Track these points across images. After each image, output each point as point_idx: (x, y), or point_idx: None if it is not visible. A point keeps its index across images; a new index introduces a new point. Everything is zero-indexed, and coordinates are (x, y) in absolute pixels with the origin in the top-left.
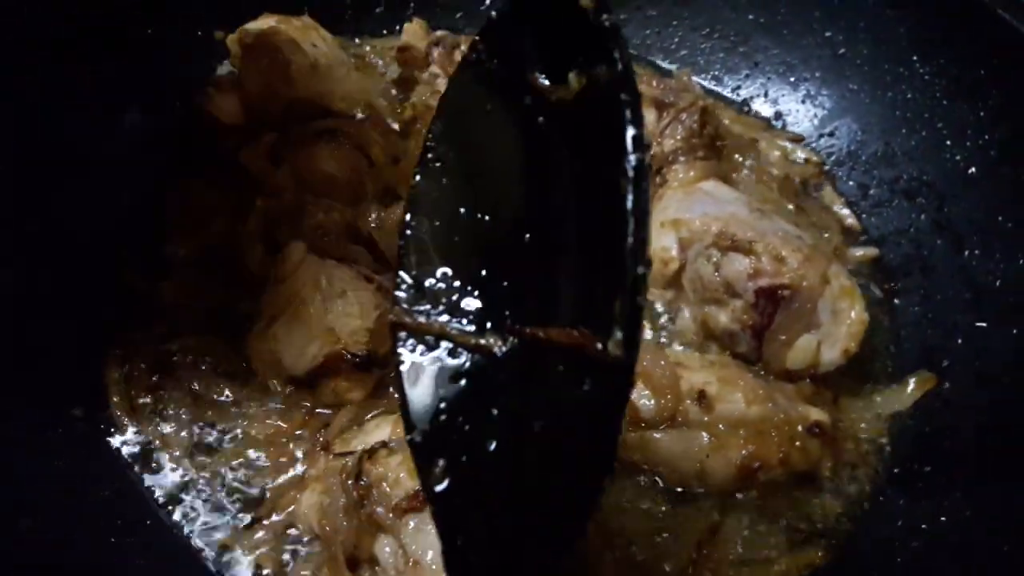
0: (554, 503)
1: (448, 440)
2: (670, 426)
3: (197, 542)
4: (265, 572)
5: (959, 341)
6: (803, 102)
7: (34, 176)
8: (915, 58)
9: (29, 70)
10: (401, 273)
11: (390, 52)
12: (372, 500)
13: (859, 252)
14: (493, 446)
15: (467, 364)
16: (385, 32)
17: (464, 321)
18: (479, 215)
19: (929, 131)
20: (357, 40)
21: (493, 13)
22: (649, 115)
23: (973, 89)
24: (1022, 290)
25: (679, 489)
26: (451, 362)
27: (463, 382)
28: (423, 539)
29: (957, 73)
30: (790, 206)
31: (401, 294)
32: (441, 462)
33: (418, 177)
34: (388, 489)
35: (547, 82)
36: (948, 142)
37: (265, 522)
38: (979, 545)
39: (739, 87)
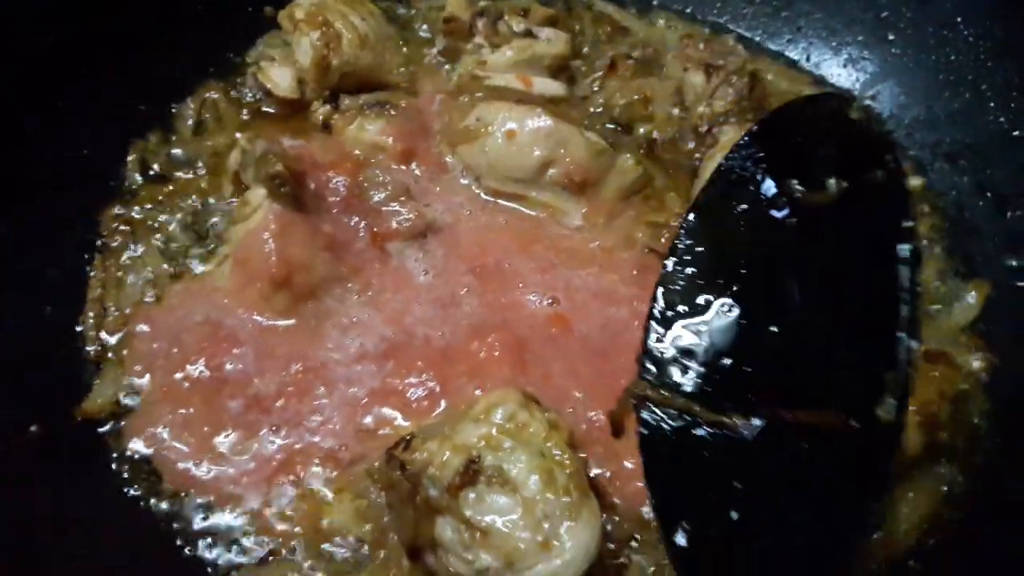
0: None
1: (690, 505)
2: None
3: None
4: None
5: (999, 301)
6: (845, 66)
7: None
8: (959, 20)
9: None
10: (647, 345)
11: (435, 16)
12: (424, 486)
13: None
14: (735, 515)
15: (708, 438)
16: None
17: (706, 398)
18: (723, 300)
19: (972, 94)
20: (401, 10)
21: (754, 127)
22: (698, 77)
23: (1018, 50)
24: None
25: None
26: (692, 434)
27: (704, 453)
28: (485, 507)
29: (1003, 35)
30: None
31: (645, 368)
32: (685, 524)
33: (667, 264)
34: (437, 472)
35: (802, 188)
36: (992, 104)
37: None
38: None
39: (782, 51)
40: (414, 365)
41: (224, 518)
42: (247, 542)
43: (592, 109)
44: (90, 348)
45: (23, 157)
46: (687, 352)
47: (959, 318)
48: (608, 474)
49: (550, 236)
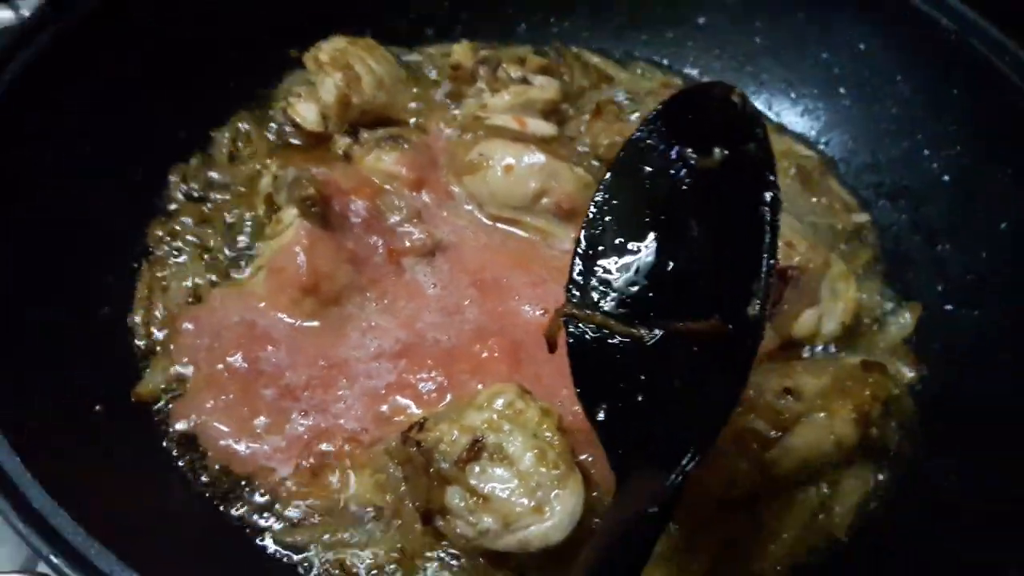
0: (693, 424)
1: (606, 393)
2: (788, 430)
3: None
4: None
5: (930, 322)
6: (802, 115)
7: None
8: (899, 77)
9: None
10: (571, 276)
11: (442, 60)
12: (435, 460)
13: (857, 218)
14: (640, 398)
15: (620, 345)
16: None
17: (618, 315)
18: (633, 240)
19: (910, 142)
20: (412, 55)
21: (660, 105)
22: None
23: (947, 105)
24: (982, 279)
25: None
26: (608, 343)
27: (617, 356)
28: (487, 478)
29: (934, 90)
30: (799, 190)
31: (572, 292)
32: (603, 406)
33: (589, 213)
34: (447, 448)
35: (694, 154)
36: (926, 151)
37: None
38: None
39: None
40: (424, 363)
41: (260, 487)
42: (279, 508)
43: (579, 148)
44: (140, 342)
45: (81, 180)
46: (604, 282)
47: (895, 335)
48: (591, 458)
49: (542, 256)
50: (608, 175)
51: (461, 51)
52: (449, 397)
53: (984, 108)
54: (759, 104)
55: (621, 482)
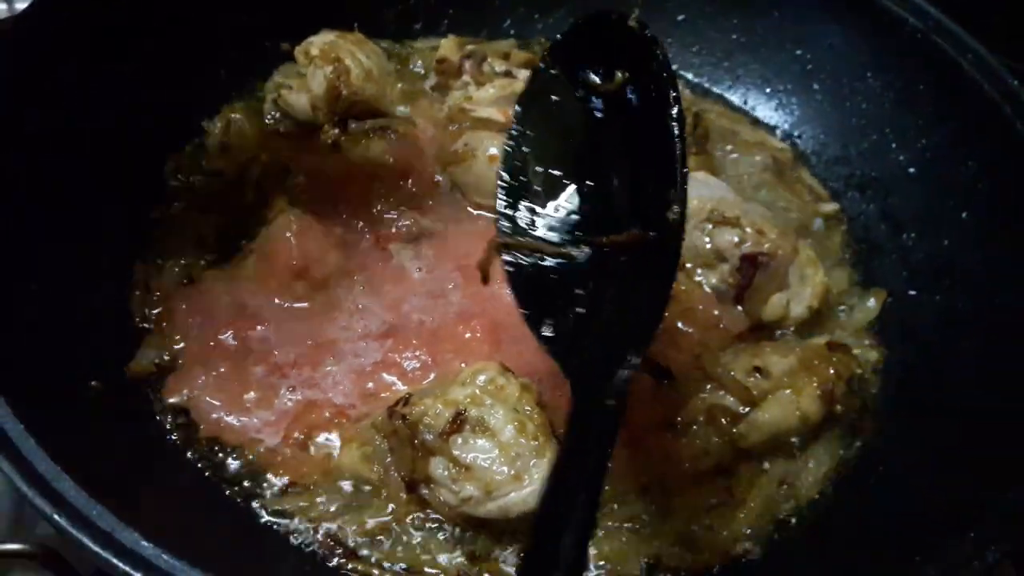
0: (633, 324)
1: (549, 310)
2: (756, 406)
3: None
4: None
5: (894, 306)
6: (776, 109)
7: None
8: (869, 74)
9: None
10: (499, 210)
11: (428, 54)
12: (420, 432)
13: (826, 207)
14: (581, 310)
15: (554, 266)
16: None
17: (548, 238)
18: (552, 168)
19: (879, 136)
20: (398, 47)
21: (559, 35)
22: None
23: (914, 101)
24: (945, 266)
25: None
26: (542, 264)
27: (552, 276)
28: (470, 449)
29: (902, 86)
30: (772, 180)
31: (502, 224)
32: (547, 322)
33: (506, 147)
34: (431, 421)
35: (597, 79)
36: (894, 144)
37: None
38: None
39: (723, 95)
40: (410, 343)
41: (250, 458)
42: (270, 478)
43: None
44: (136, 321)
45: (77, 169)
46: (531, 210)
47: (861, 319)
48: None
49: None
50: (517, 108)
51: (447, 45)
52: (433, 375)
53: (949, 104)
54: (735, 99)
55: (575, 389)
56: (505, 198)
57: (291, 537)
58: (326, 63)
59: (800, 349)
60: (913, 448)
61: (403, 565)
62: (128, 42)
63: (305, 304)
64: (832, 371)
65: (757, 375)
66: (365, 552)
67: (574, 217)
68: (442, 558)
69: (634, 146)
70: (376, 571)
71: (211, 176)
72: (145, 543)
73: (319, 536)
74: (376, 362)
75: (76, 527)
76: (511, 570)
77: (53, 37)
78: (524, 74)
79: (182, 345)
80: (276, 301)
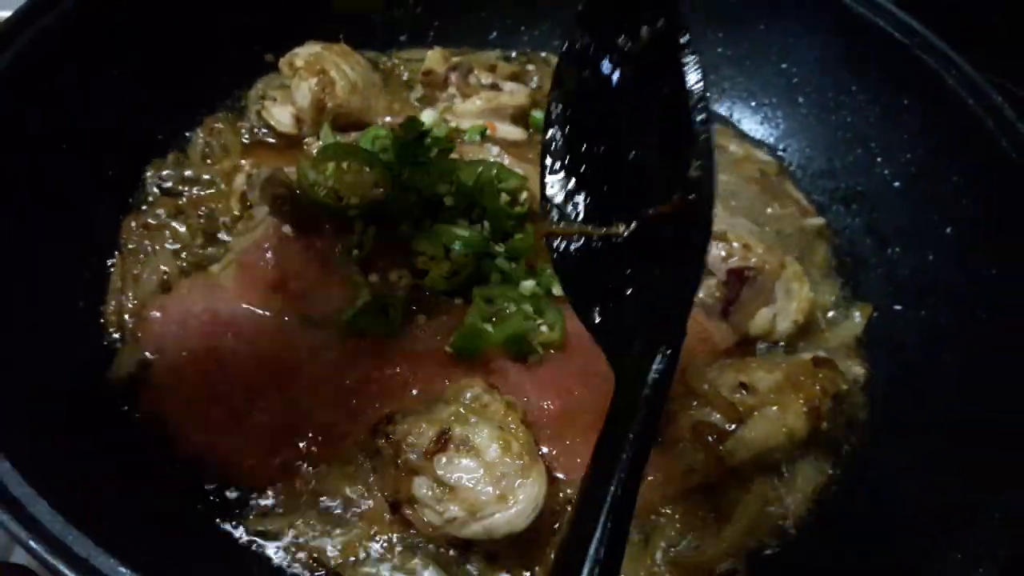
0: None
1: (596, 295)
2: (742, 423)
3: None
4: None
5: (879, 321)
6: (762, 123)
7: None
8: (854, 88)
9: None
10: (544, 196)
11: (415, 66)
12: (404, 451)
13: (812, 222)
14: (629, 291)
15: (600, 246)
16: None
17: (592, 220)
18: (591, 147)
19: (863, 149)
20: (385, 58)
21: (579, 7)
22: None
23: (899, 115)
24: (929, 281)
25: None
26: (590, 248)
27: (598, 259)
28: (454, 468)
29: (887, 101)
30: (758, 194)
31: (550, 214)
32: (597, 308)
33: (547, 133)
34: (415, 440)
35: (626, 41)
36: (879, 158)
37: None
38: None
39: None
40: (392, 361)
41: (229, 477)
42: (249, 496)
43: None
44: (112, 331)
45: (58, 177)
46: (573, 193)
47: (846, 333)
48: (554, 452)
49: None
50: (552, 90)
51: (433, 57)
52: (416, 392)
53: (932, 119)
54: (721, 111)
55: (619, 378)
56: (549, 184)
57: (273, 558)
58: (311, 75)
59: (786, 365)
60: (899, 462)
61: None
62: (108, 49)
63: (284, 318)
64: (818, 387)
65: (743, 391)
66: (348, 573)
67: (616, 195)
68: None
69: (660, 109)
70: None
71: (193, 185)
72: (123, 568)
73: (301, 557)
74: (358, 379)
75: (52, 554)
76: None
77: (34, 44)
78: (510, 86)
79: (157, 356)
80: (254, 313)
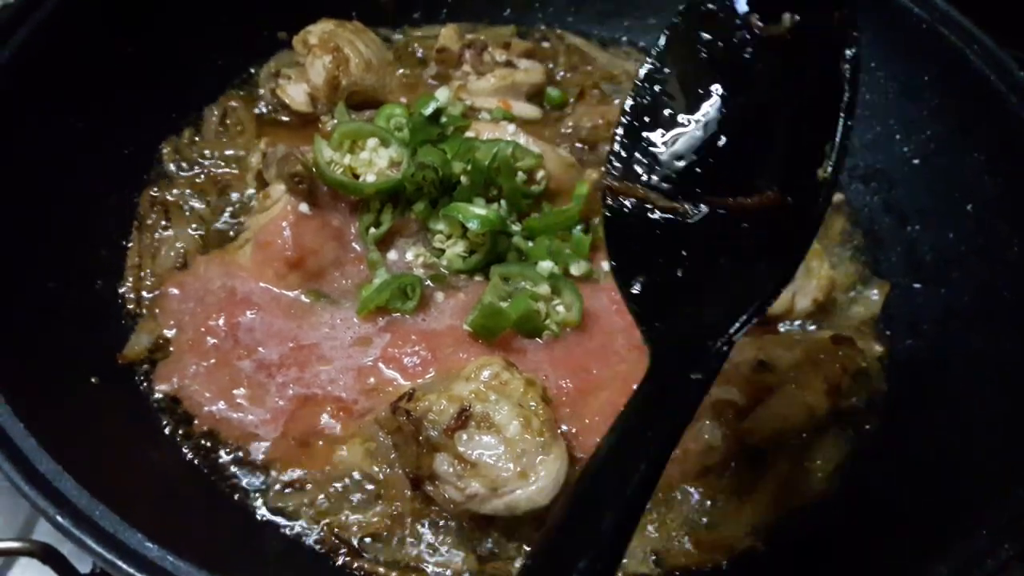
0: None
1: (642, 267)
2: (762, 401)
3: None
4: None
5: (899, 299)
6: None
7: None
8: (873, 64)
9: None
10: (612, 149)
11: (428, 43)
12: (424, 428)
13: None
14: (680, 274)
15: (660, 220)
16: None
17: (662, 188)
18: (684, 112)
19: (883, 127)
20: (398, 35)
21: None
22: None
23: (919, 92)
24: (949, 259)
25: None
26: (647, 216)
27: (656, 231)
28: (475, 445)
29: (906, 78)
30: None
31: (612, 165)
32: (639, 279)
33: (637, 82)
34: (436, 417)
35: (760, 22)
36: (898, 136)
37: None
38: None
39: None
40: (409, 338)
41: (247, 454)
42: (270, 473)
43: (562, 130)
44: (130, 307)
45: (73, 154)
46: (649, 154)
47: (865, 311)
48: (573, 430)
49: None
50: (661, 40)
51: (447, 34)
52: (433, 371)
53: (953, 95)
54: None
55: (654, 356)
56: (623, 138)
57: (294, 535)
58: (325, 52)
59: (806, 343)
60: (920, 442)
61: (409, 563)
62: (122, 27)
63: (301, 296)
64: (838, 365)
65: (763, 369)
66: (370, 550)
67: (697, 170)
68: (449, 556)
69: (789, 95)
70: (381, 569)
71: (208, 162)
72: (150, 544)
73: (323, 534)
74: (376, 357)
75: (79, 528)
76: None
77: (49, 22)
78: (525, 63)
79: (174, 331)
80: (272, 291)
